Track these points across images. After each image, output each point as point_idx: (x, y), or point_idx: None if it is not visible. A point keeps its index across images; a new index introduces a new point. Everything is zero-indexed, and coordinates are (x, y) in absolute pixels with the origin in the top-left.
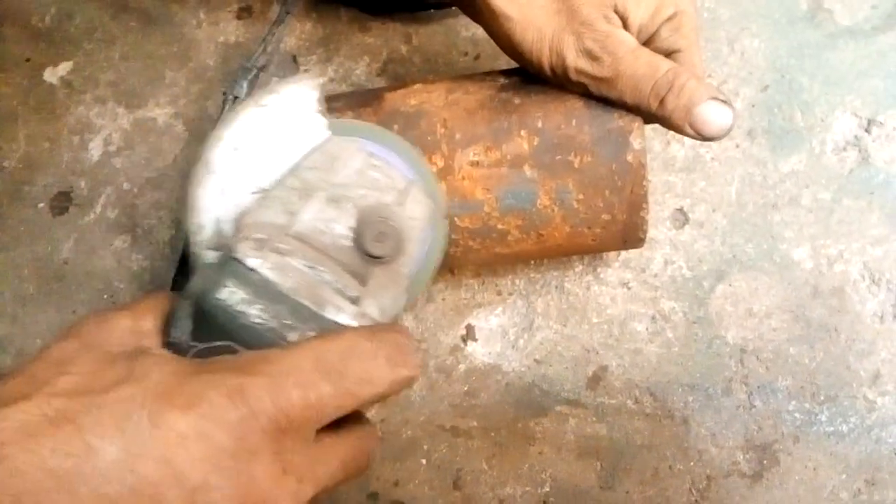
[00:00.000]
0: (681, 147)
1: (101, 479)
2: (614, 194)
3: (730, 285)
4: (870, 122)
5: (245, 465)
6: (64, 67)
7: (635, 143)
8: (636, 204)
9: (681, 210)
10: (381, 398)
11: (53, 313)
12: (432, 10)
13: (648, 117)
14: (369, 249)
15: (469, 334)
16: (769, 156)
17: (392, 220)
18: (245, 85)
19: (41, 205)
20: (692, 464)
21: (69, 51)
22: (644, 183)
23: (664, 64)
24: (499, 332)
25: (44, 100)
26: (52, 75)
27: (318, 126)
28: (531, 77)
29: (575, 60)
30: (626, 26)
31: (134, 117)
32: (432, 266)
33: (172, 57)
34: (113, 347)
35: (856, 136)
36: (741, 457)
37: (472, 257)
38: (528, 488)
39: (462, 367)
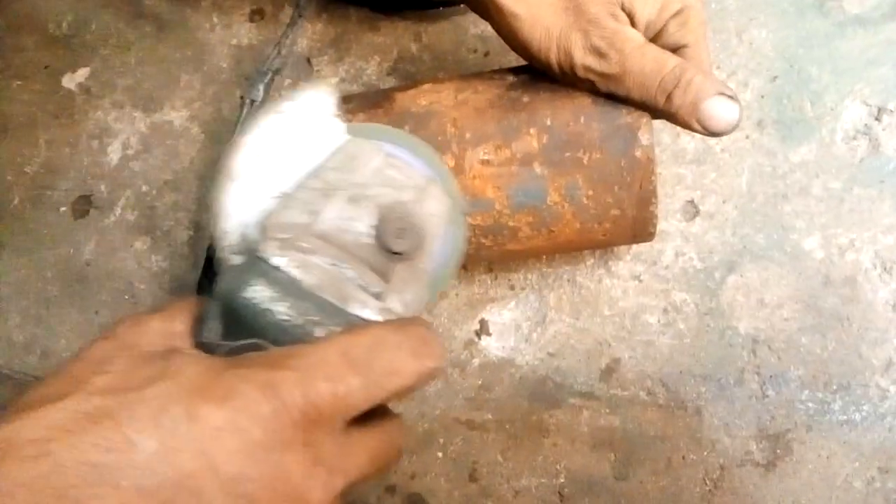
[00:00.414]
0: (691, 139)
1: (141, 472)
2: (623, 190)
3: (741, 276)
4: (880, 110)
5: (278, 457)
6: (82, 73)
7: (643, 138)
8: (645, 199)
9: (691, 202)
10: (409, 391)
11: (76, 314)
12: (441, 8)
13: (656, 113)
14: (390, 246)
15: (483, 329)
16: (779, 146)
17: (412, 216)
18: (262, 88)
19: (63, 208)
20: (705, 454)
21: (86, 57)
22: (653, 178)
23: (671, 60)
24: (512, 326)
25: (63, 105)
26: (70, 81)
27: (335, 130)
28: (540, 74)
29: (582, 58)
30: (633, 23)
31: (151, 121)
32: (453, 263)
33: (187, 61)
34: (147, 347)
35: (866, 125)
36: (754, 446)
37: (484, 254)
38: (542, 480)
39: (476, 361)
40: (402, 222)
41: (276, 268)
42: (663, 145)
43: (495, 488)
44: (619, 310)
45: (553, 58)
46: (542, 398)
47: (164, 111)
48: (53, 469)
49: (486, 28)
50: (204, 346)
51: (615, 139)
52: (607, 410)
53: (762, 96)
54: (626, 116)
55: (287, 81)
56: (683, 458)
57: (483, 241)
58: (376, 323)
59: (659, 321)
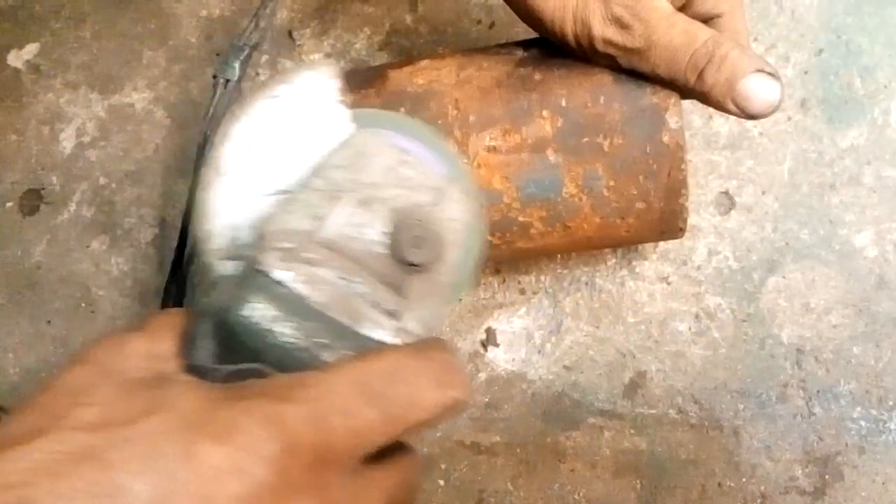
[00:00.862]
0: (725, 122)
1: None
2: (649, 180)
3: (783, 277)
4: None
5: (287, 502)
6: (30, 50)
7: (671, 121)
8: (674, 189)
9: (726, 193)
10: (429, 425)
11: (26, 324)
12: None
13: (686, 93)
14: (406, 256)
15: (489, 339)
16: (825, 129)
17: (429, 222)
18: (237, 66)
19: (9, 204)
20: (744, 480)
21: (35, 31)
22: (682, 166)
23: (703, 32)
24: (523, 336)
25: (9, 87)
26: (16, 59)
27: (339, 118)
28: (553, 49)
29: (602, 29)
30: None
31: (109, 104)
32: (472, 270)
33: (150, 35)
34: (132, 374)
35: None
36: (800, 471)
37: (491, 253)
38: None
39: (482, 375)
40: (419, 229)
41: (279, 283)
42: (694, 129)
43: None
44: (645, 316)
45: (569, 29)
46: (557, 417)
47: (125, 92)
48: None
49: None
50: (195, 370)
51: (639, 122)
52: (632, 431)
53: (805, 72)
54: (651, 96)
55: (265, 58)
56: (719, 485)
57: (490, 238)
58: (393, 346)
59: (690, 329)
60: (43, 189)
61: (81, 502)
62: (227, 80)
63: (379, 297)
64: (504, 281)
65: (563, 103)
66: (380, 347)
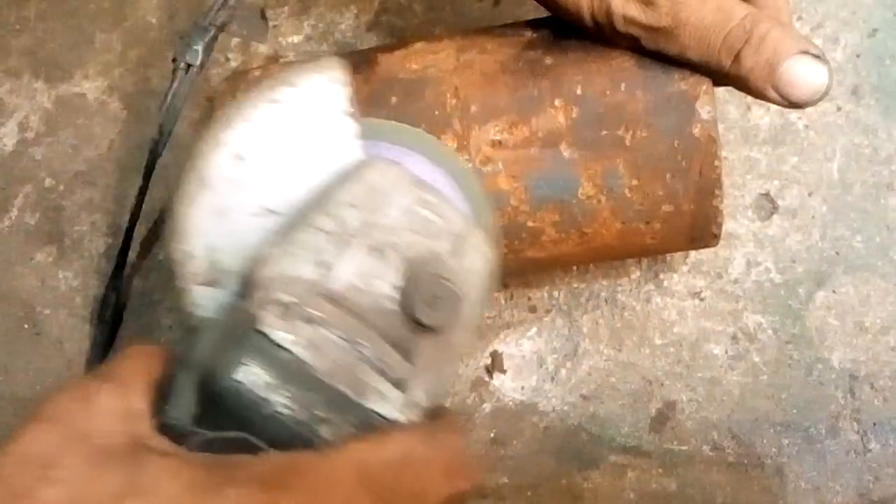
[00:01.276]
0: (765, 112)
1: None
2: (678, 178)
3: (833, 292)
4: None
5: None
6: None
7: (703, 111)
8: (707, 190)
9: (767, 195)
10: None
11: None
12: None
13: (719, 78)
14: (420, 318)
15: (495, 364)
16: (880, 121)
17: (447, 276)
18: (200, 49)
19: None
20: None
21: None
22: (716, 162)
23: (739, 9)
24: (534, 361)
25: None
26: None
27: (346, 132)
28: (566, 29)
29: (623, 6)
30: None
31: (56, 94)
32: (481, 307)
33: (103, 14)
34: (102, 439)
35: None
36: None
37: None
38: None
39: (487, 406)
40: (435, 287)
41: (279, 346)
42: (730, 121)
43: None
44: (675, 338)
45: (585, 7)
46: (573, 455)
47: (74, 81)
48: None
49: None
50: (170, 430)
51: (666, 112)
52: (660, 470)
53: (857, 56)
54: (679, 83)
55: (235, 40)
56: None
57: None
58: (400, 428)
59: (727, 353)
60: None
61: None
62: (189, 65)
63: (386, 363)
64: (512, 297)
65: (579, 91)
66: (385, 427)
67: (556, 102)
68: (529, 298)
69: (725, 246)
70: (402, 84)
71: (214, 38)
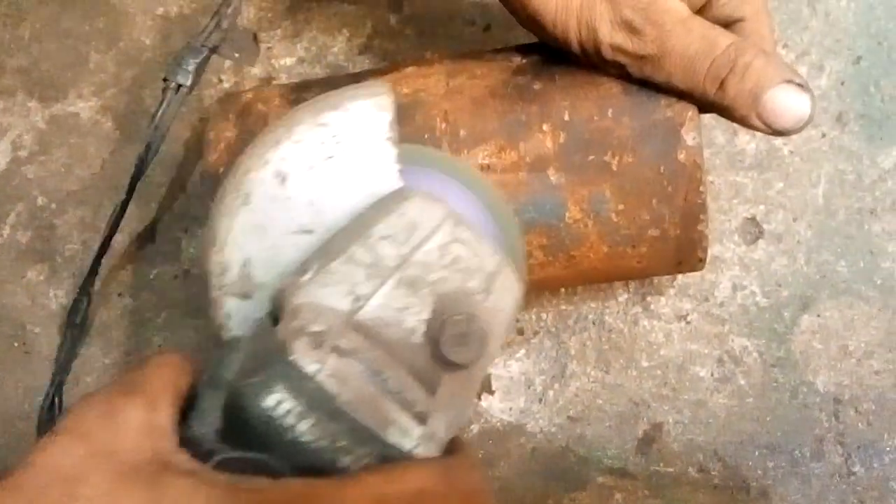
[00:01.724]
0: (751, 139)
1: None
2: (663, 203)
3: (818, 316)
4: None
5: None
6: None
7: (688, 137)
8: (692, 215)
9: (753, 220)
10: None
11: None
12: None
13: (704, 106)
14: (447, 356)
15: (483, 385)
16: (865, 147)
17: (477, 314)
18: (192, 69)
19: None
20: None
21: None
22: (701, 188)
23: (724, 38)
24: (521, 382)
25: None
26: None
27: (386, 157)
28: (555, 55)
29: (610, 34)
30: None
31: (50, 113)
32: (499, 351)
33: (98, 35)
34: (129, 455)
35: None
36: None
37: None
38: None
39: (475, 427)
40: (464, 324)
41: (308, 375)
42: (716, 146)
43: None
44: (661, 360)
45: (573, 34)
46: (561, 476)
47: (68, 100)
48: None
49: None
50: (194, 444)
51: (652, 138)
52: (646, 492)
53: (842, 83)
54: (665, 109)
55: (227, 63)
56: None
57: None
58: (419, 463)
59: (712, 375)
60: None
61: None
62: (179, 86)
63: (409, 396)
64: None
65: (566, 116)
66: (404, 460)
67: (544, 127)
68: (518, 320)
69: (712, 269)
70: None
71: (206, 59)
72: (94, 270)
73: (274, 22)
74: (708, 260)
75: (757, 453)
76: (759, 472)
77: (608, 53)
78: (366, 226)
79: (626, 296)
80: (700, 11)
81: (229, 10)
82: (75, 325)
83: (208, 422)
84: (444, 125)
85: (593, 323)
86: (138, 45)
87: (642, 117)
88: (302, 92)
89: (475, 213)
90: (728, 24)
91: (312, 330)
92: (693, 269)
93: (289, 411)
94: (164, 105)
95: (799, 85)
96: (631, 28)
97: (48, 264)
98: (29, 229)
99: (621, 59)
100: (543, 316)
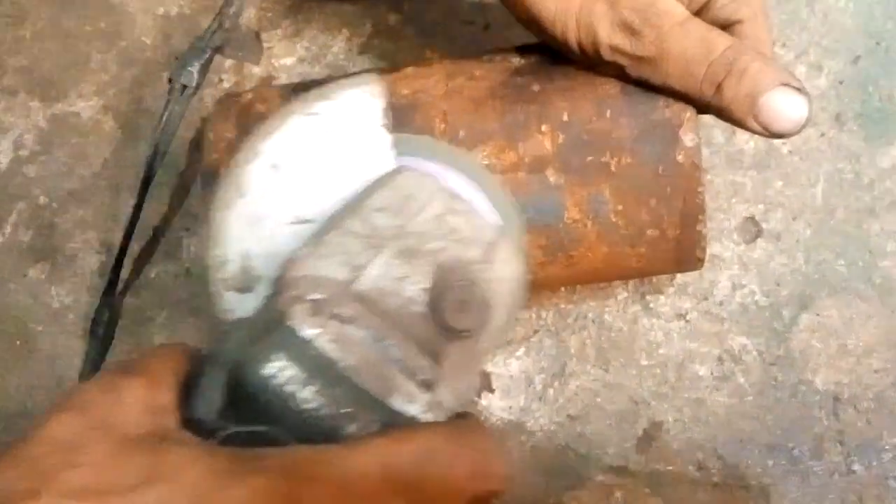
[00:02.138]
0: (750, 139)
1: None
2: (662, 204)
3: (817, 315)
4: None
5: None
6: None
7: (686, 138)
8: (690, 215)
9: (752, 219)
10: None
11: None
12: None
13: (702, 108)
14: (449, 322)
15: (483, 383)
16: (863, 147)
17: (477, 283)
18: (196, 70)
19: None
20: None
21: None
22: (699, 188)
23: (721, 40)
24: (521, 381)
25: None
26: None
27: (380, 144)
28: (554, 55)
29: (609, 36)
30: None
31: (51, 112)
32: (508, 329)
33: (99, 35)
34: (128, 428)
35: None
36: None
37: None
38: None
39: None
40: (464, 292)
41: (308, 342)
42: (715, 146)
43: None
44: (661, 359)
45: (572, 35)
46: (560, 474)
47: (69, 100)
48: None
49: None
50: (196, 425)
51: (651, 139)
52: (646, 490)
53: (841, 82)
54: (664, 110)
55: (229, 62)
56: None
57: None
58: (426, 426)
59: (712, 374)
60: None
61: None
62: (185, 86)
63: (413, 364)
64: None
65: (565, 117)
66: (411, 425)
67: (543, 128)
68: (517, 319)
69: (711, 268)
70: (393, 108)
71: (210, 59)
72: (113, 281)
73: (275, 22)
74: (707, 259)
75: (756, 452)
76: (759, 470)
77: (607, 54)
78: (360, 201)
79: (625, 294)
80: (699, 13)
81: (231, 10)
82: (97, 336)
83: (210, 401)
84: (443, 126)
85: (593, 321)
86: (139, 45)
87: (641, 118)
88: (302, 92)
89: (472, 193)
90: (726, 27)
91: (311, 297)
92: (691, 269)
93: (291, 378)
94: (170, 106)
95: (795, 88)
96: (630, 29)
97: (49, 263)
98: (30, 228)
99: (620, 60)
100: (543, 315)
